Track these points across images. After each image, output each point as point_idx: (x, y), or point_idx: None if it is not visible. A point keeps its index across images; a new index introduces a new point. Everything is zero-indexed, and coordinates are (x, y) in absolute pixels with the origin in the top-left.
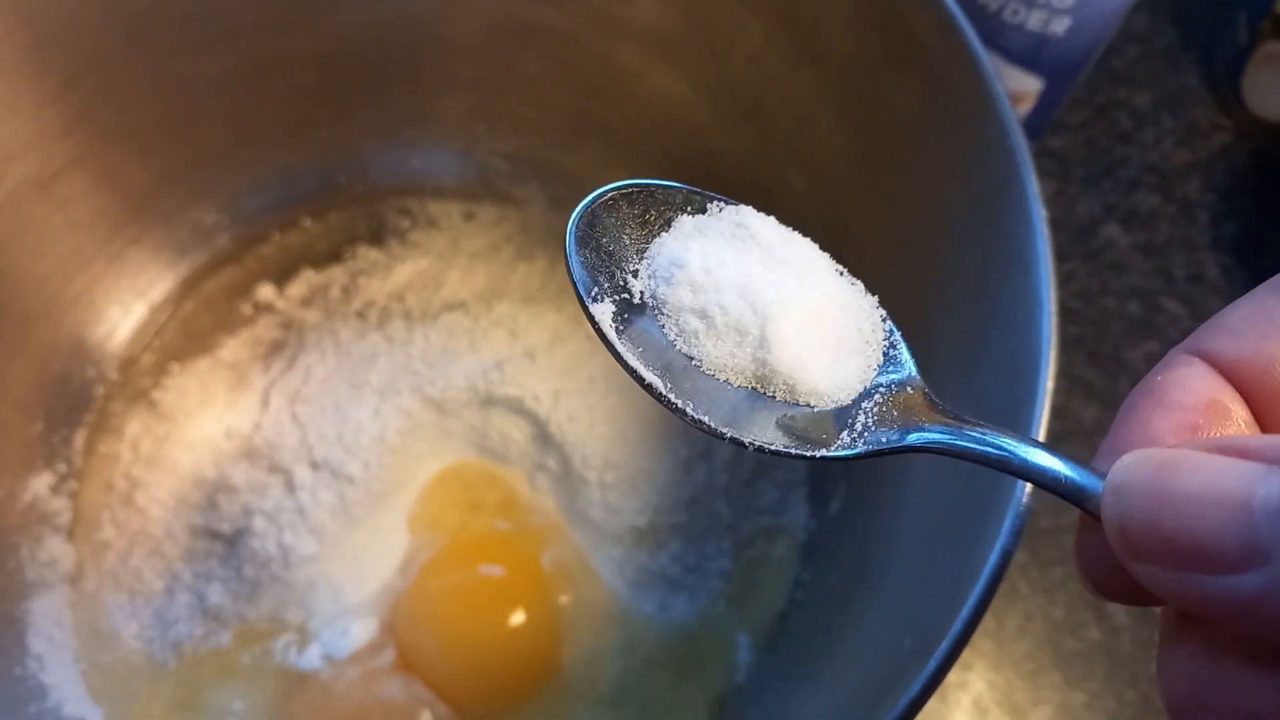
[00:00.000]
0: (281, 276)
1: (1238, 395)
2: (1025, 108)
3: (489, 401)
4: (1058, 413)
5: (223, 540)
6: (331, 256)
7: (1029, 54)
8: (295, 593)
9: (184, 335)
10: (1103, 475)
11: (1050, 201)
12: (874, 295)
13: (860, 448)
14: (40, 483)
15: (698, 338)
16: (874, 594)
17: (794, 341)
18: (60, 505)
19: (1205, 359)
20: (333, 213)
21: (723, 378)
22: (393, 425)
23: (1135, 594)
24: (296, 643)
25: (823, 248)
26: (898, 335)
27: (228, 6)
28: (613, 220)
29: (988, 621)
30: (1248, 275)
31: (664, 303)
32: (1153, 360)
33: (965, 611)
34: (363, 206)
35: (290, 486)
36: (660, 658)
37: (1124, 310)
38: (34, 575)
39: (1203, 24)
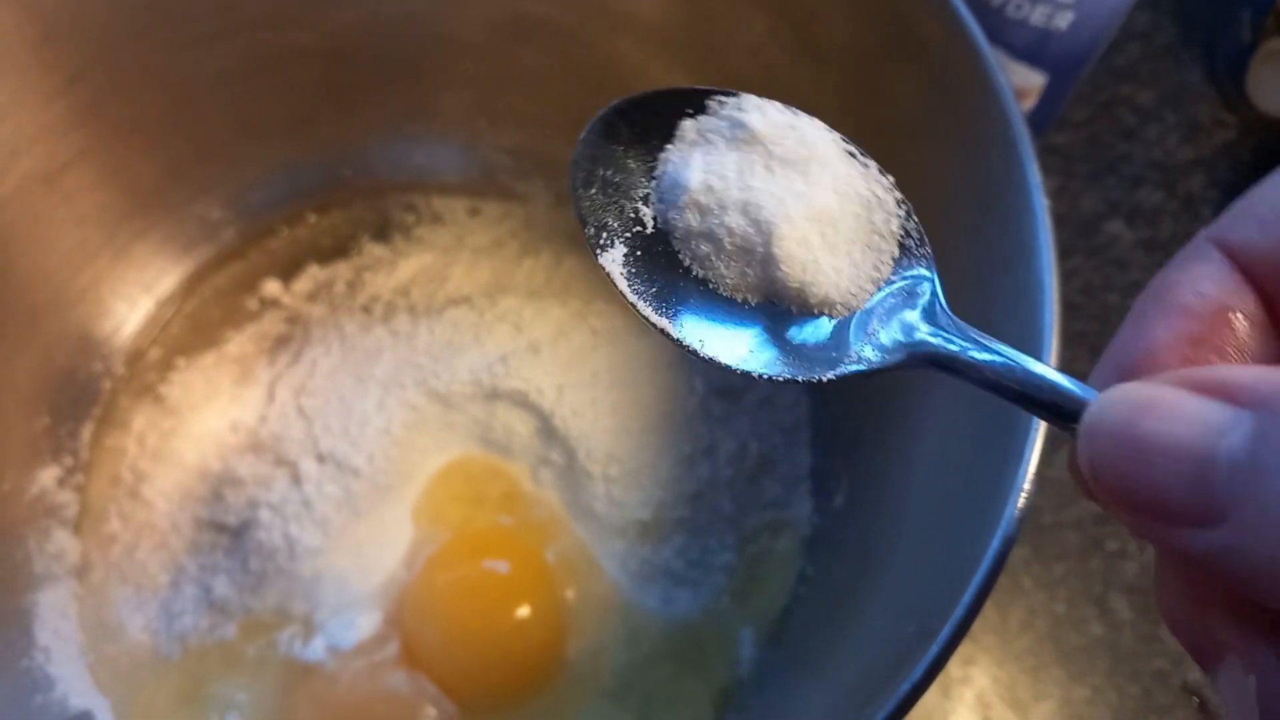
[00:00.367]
0: (287, 272)
1: (1251, 294)
2: (1029, 104)
3: (493, 395)
4: None
5: (228, 533)
6: (337, 252)
7: (1032, 49)
8: (300, 585)
9: (190, 330)
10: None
11: (1054, 198)
12: (889, 176)
13: (860, 365)
14: (47, 476)
15: (710, 261)
16: (877, 586)
17: (799, 255)
18: (67, 498)
19: (1227, 250)
20: (338, 208)
21: (739, 298)
22: (397, 418)
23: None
24: (301, 635)
25: None
26: (914, 221)
27: (231, 2)
28: (615, 148)
29: (991, 616)
30: None
31: (675, 228)
32: None
33: (967, 597)
34: (368, 202)
35: (296, 479)
36: (664, 651)
37: (1127, 306)
38: (41, 568)
39: (1205, 21)
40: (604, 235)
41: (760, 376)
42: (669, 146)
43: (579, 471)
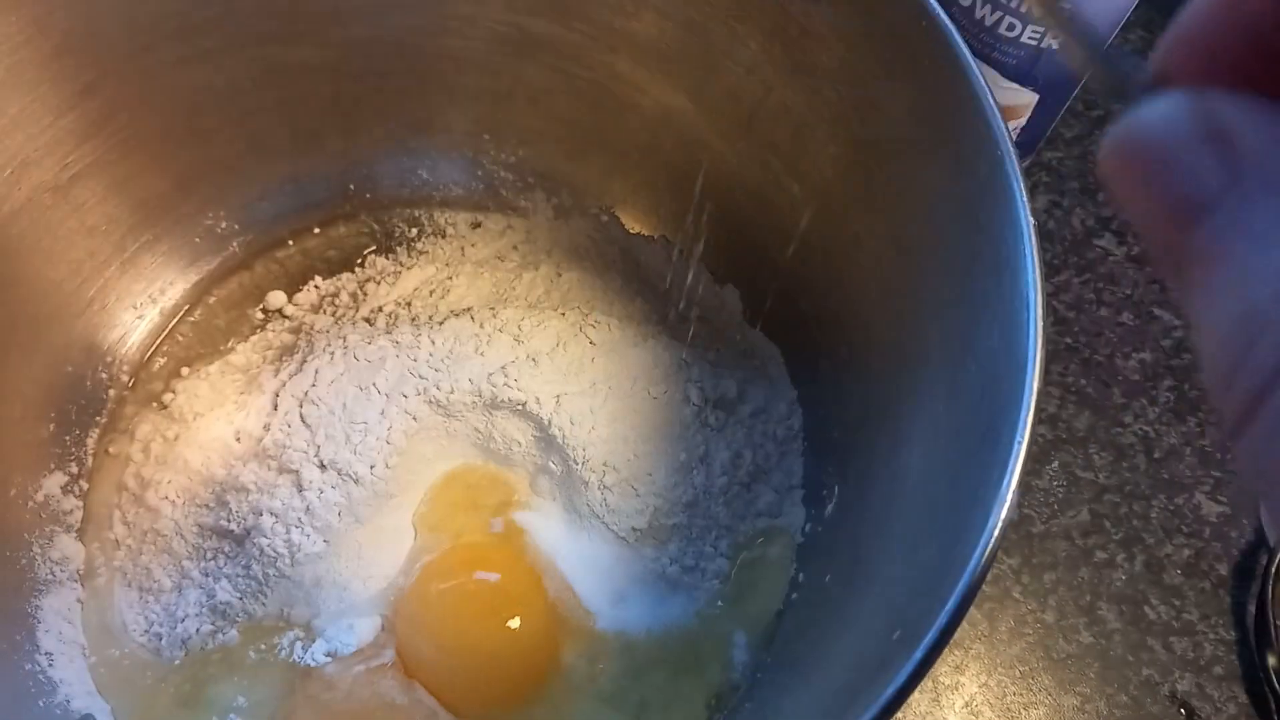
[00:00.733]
0: (292, 283)
1: None
2: (1019, 121)
3: (493, 405)
4: (1051, 421)
5: (231, 539)
6: (341, 264)
7: (1023, 68)
8: (302, 590)
9: (195, 339)
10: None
11: (1045, 214)
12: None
13: None
14: (52, 482)
15: None
16: (865, 592)
17: None
18: (71, 504)
19: None
20: (342, 221)
21: None
22: (399, 427)
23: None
24: (302, 639)
25: (817, 254)
26: None
27: (239, 17)
28: None
29: (980, 624)
30: None
31: None
32: (1146, 369)
33: (950, 604)
34: (372, 215)
35: (298, 486)
36: (658, 655)
37: (1118, 320)
38: (45, 573)
39: None
40: None
41: None
42: None
43: (576, 479)
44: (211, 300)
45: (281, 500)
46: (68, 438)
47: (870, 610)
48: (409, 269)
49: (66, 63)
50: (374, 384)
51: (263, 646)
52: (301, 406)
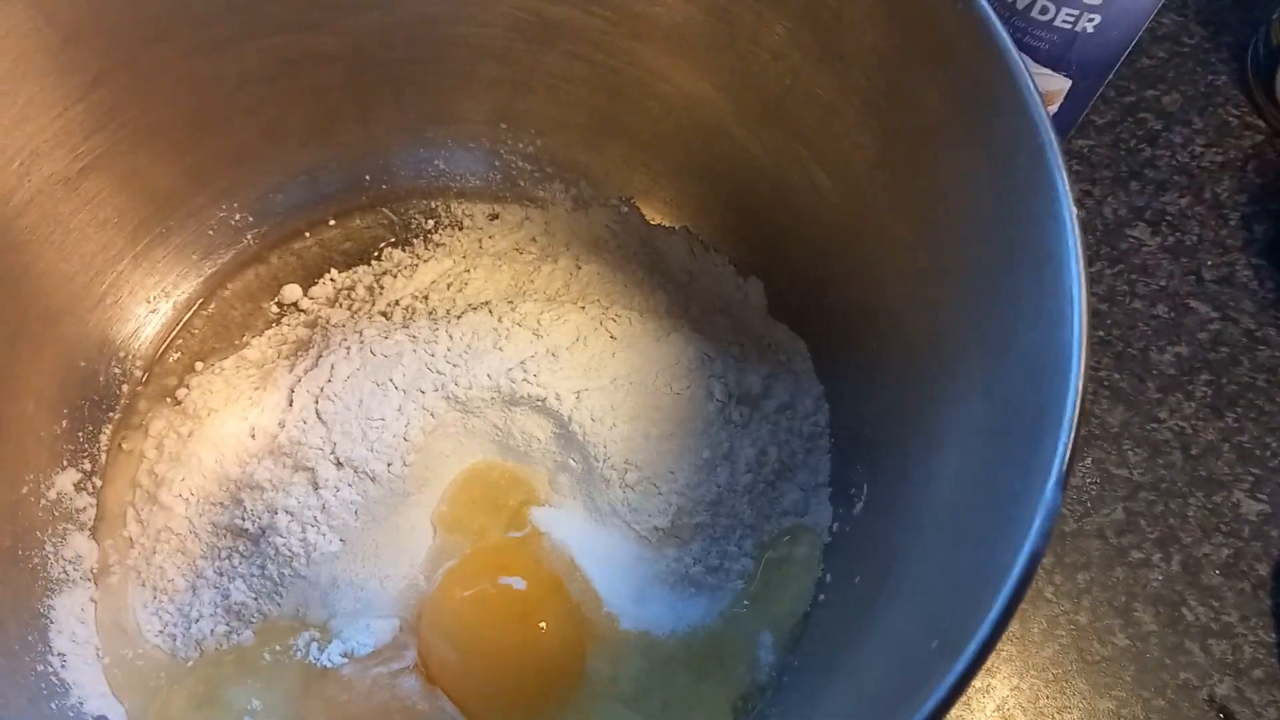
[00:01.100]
0: (307, 277)
1: None
2: (1051, 109)
3: (512, 401)
4: (1083, 415)
5: (246, 538)
6: (357, 257)
7: (1057, 52)
8: (318, 590)
9: (210, 334)
10: None
11: (1077, 203)
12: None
13: None
14: (65, 479)
15: None
16: (897, 595)
17: None
18: (84, 502)
19: None
20: (358, 213)
21: None
22: (416, 423)
23: None
24: (318, 640)
25: (844, 245)
26: None
27: (251, 6)
28: None
29: (1012, 626)
30: None
31: None
32: (1182, 363)
33: (993, 614)
34: (388, 207)
35: (314, 484)
36: (682, 657)
37: (1152, 312)
38: (58, 572)
39: (1233, 23)
40: None
41: None
42: None
43: (597, 477)
44: (225, 294)
45: (297, 498)
46: (81, 434)
47: (903, 615)
48: (425, 262)
49: (75, 53)
50: (391, 380)
51: (278, 647)
52: (317, 403)
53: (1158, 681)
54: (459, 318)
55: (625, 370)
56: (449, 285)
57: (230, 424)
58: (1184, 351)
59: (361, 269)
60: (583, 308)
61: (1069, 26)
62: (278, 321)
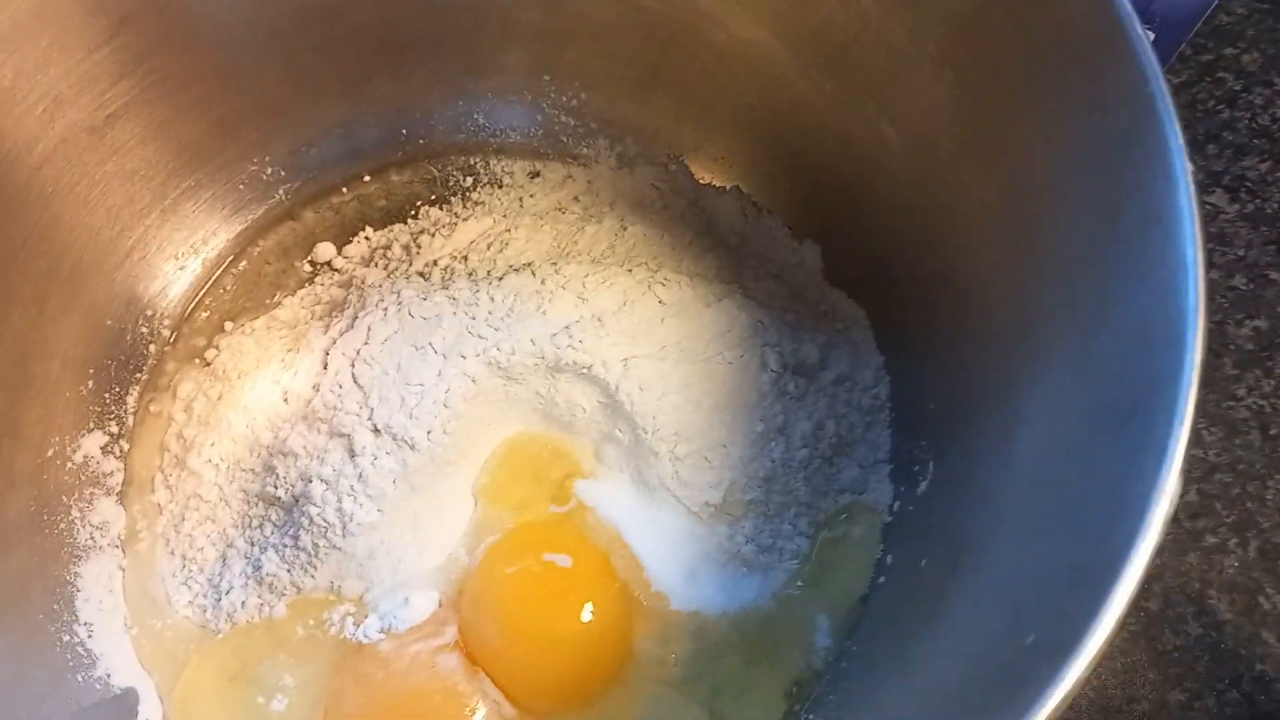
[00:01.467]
0: (341, 234)
1: None
2: None
3: (556, 367)
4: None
5: (279, 506)
6: (393, 214)
7: (1142, 4)
8: (354, 562)
9: (240, 292)
10: None
11: None
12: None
13: None
14: (91, 442)
15: None
16: (972, 582)
17: None
18: (111, 466)
19: None
20: (394, 169)
21: None
22: (457, 390)
23: None
24: (354, 614)
25: (914, 207)
26: None
27: None
28: None
29: None
30: None
31: None
32: (1261, 338)
33: (1108, 612)
34: (425, 163)
35: (350, 452)
36: (733, 639)
37: (1229, 284)
38: (85, 538)
39: None
40: None
41: None
42: None
43: (645, 450)
44: (256, 251)
45: (333, 466)
46: (107, 395)
47: (982, 606)
48: (464, 221)
49: None
50: (430, 343)
51: (311, 622)
52: (353, 366)
53: (1233, 673)
54: (500, 279)
55: (675, 337)
56: (489, 245)
57: (261, 387)
58: (1263, 325)
59: (398, 227)
60: (629, 270)
61: None
62: (311, 280)
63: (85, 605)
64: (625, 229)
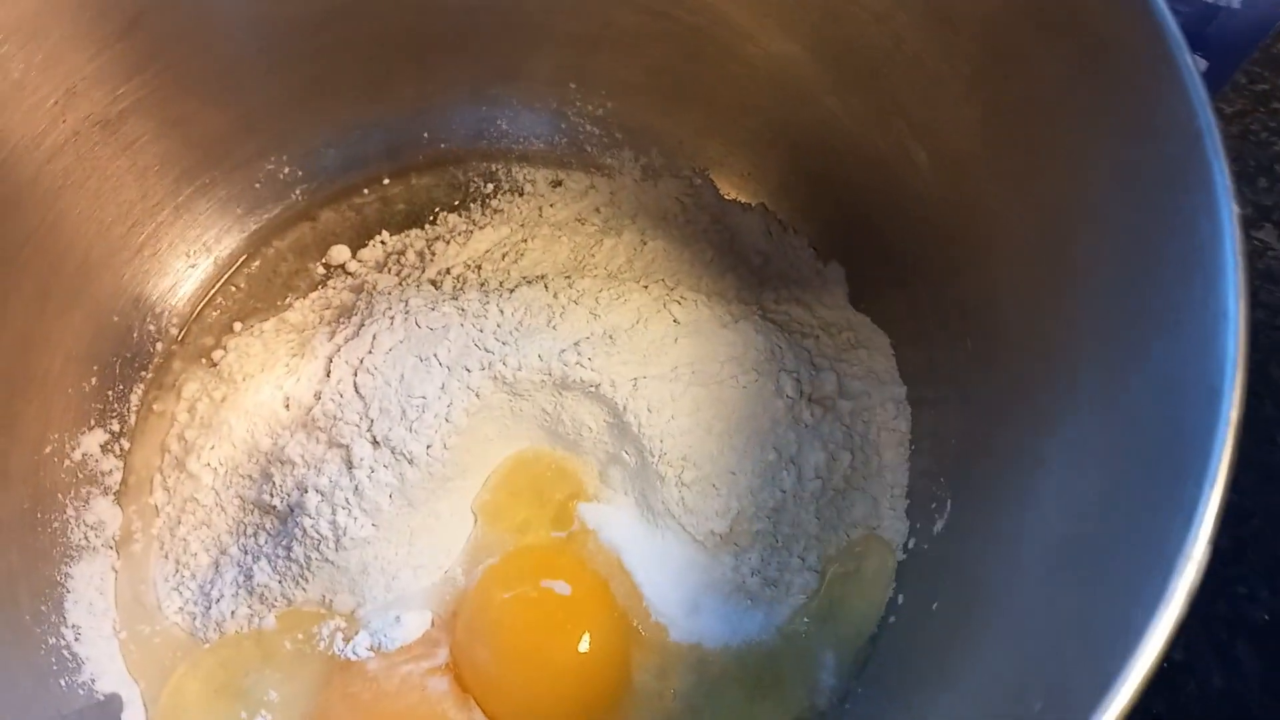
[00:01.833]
0: (357, 237)
1: None
2: None
3: (563, 385)
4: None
5: (274, 515)
6: (410, 219)
7: (1194, 29)
8: (346, 577)
9: (251, 293)
10: None
11: None
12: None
13: None
14: (91, 440)
15: None
16: (986, 632)
17: None
18: (110, 465)
19: None
20: (413, 173)
21: None
22: (460, 404)
23: None
24: (344, 630)
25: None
26: None
27: None
28: None
29: None
30: None
31: None
32: None
33: (1123, 685)
34: (445, 168)
35: (348, 463)
36: (735, 674)
37: (1274, 323)
38: (79, 537)
39: None
40: None
41: None
42: None
43: (651, 473)
44: (270, 251)
45: (329, 477)
46: (110, 392)
47: (994, 657)
48: (481, 229)
49: None
50: (435, 355)
51: (300, 636)
52: (356, 375)
53: None
54: (512, 291)
55: (688, 358)
56: (504, 255)
57: (265, 391)
58: None
59: (414, 232)
60: (645, 287)
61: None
62: (323, 284)
63: (74, 607)
64: (645, 243)
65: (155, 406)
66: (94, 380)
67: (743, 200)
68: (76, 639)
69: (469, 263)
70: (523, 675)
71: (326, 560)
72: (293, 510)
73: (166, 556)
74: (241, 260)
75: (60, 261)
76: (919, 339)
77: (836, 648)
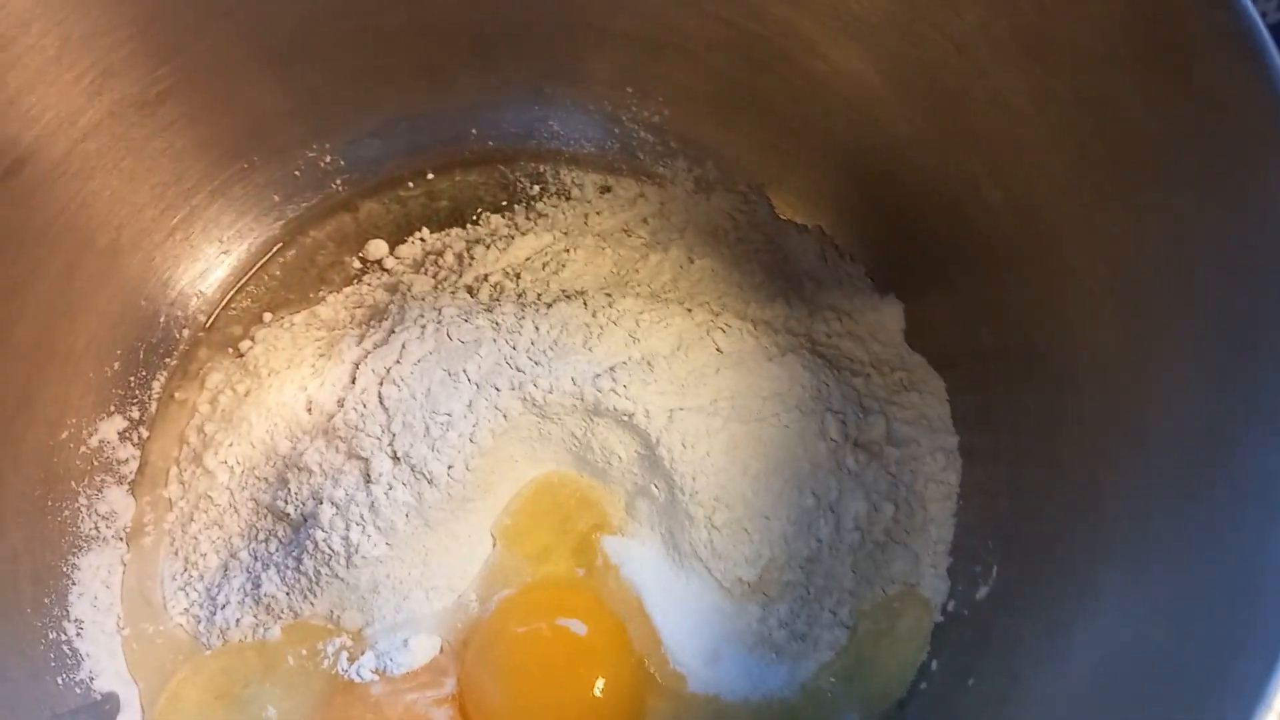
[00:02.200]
0: (396, 232)
1: None
2: None
3: (595, 411)
4: None
5: (287, 523)
6: (452, 217)
7: None
8: (355, 594)
9: (284, 283)
10: None
11: None
12: None
13: None
14: (109, 427)
15: None
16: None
17: None
18: (128, 453)
19: None
20: (459, 169)
21: None
22: (486, 424)
23: None
24: (349, 649)
25: (1013, 278)
26: None
27: None
28: None
29: None
30: None
31: None
32: None
33: None
34: (493, 165)
35: (366, 477)
36: None
37: None
38: (89, 527)
39: None
40: None
41: None
42: None
43: (681, 511)
44: (308, 240)
45: (345, 490)
46: (132, 378)
47: None
48: (524, 233)
49: None
50: (464, 370)
51: (304, 651)
52: (381, 385)
53: None
54: (549, 306)
55: (729, 391)
56: (544, 265)
57: (288, 391)
58: None
59: (455, 231)
60: (689, 310)
61: None
62: (358, 279)
63: (79, 600)
64: (692, 261)
65: (177, 395)
66: (116, 365)
67: (799, 221)
68: (78, 634)
69: (508, 270)
70: (528, 712)
71: (336, 576)
72: (306, 520)
73: (176, 553)
74: (277, 248)
75: (90, 241)
76: (979, 386)
77: (862, 710)
